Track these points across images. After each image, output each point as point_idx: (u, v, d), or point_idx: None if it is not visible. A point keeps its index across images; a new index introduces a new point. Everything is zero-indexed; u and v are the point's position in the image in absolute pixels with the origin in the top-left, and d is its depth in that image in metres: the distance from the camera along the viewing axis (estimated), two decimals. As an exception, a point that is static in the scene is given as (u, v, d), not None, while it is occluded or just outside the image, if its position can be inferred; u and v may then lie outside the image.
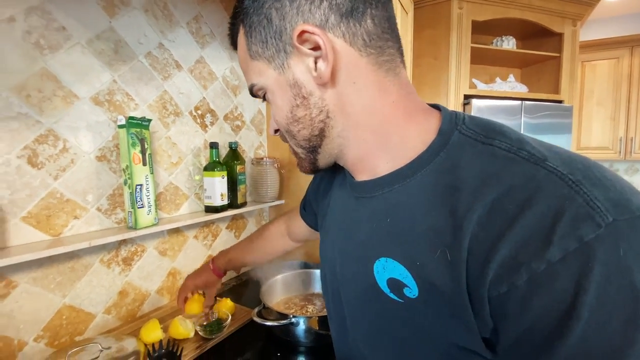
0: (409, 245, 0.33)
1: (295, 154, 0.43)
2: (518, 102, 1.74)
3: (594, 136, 2.46)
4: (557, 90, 1.90)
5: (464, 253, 0.28)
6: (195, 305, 0.86)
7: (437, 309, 0.30)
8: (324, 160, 0.41)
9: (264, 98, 0.40)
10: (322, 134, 0.38)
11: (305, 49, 0.34)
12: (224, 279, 1.24)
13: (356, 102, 0.36)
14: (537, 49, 1.90)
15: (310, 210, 0.68)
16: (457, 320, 0.29)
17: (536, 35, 1.97)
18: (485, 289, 0.27)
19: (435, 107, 0.39)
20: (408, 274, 0.32)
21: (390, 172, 0.37)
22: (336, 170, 0.49)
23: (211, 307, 0.88)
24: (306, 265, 1.12)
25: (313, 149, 0.40)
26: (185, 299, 0.86)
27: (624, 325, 0.23)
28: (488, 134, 0.32)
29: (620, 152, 2.40)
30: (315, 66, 0.34)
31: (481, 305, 0.27)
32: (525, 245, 0.25)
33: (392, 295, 0.35)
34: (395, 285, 0.34)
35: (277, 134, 0.44)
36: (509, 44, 1.87)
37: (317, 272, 1.06)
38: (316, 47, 0.34)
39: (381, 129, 0.36)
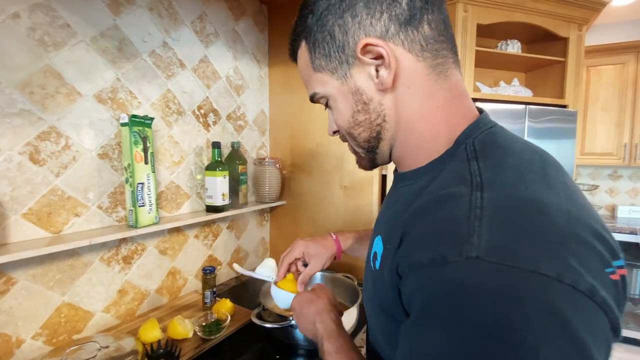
0: (389, 232, 0.39)
1: (356, 153, 0.47)
2: (522, 106, 1.73)
3: (598, 142, 2.44)
4: (561, 95, 1.88)
5: (398, 242, 0.34)
6: (290, 284, 0.71)
7: (382, 282, 0.37)
8: (381, 158, 0.46)
9: (326, 105, 0.45)
10: (378, 136, 0.42)
11: (367, 59, 0.37)
12: (224, 279, 1.24)
13: (408, 106, 0.39)
14: (542, 53, 1.89)
15: None
16: (391, 292, 0.35)
17: (541, 39, 1.95)
18: (396, 271, 0.33)
19: (481, 111, 0.41)
20: (382, 251, 0.40)
21: (411, 169, 0.41)
22: None
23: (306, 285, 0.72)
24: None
25: (372, 149, 0.44)
26: (287, 269, 0.73)
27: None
28: (479, 154, 0.33)
29: (624, 158, 2.38)
30: (377, 74, 0.38)
31: (400, 284, 0.33)
32: (415, 244, 0.31)
33: (371, 263, 0.43)
34: (374, 256, 0.43)
35: (335, 134, 0.48)
36: (513, 47, 1.85)
37: (318, 274, 1.05)
38: (378, 57, 0.37)
39: (422, 133, 0.39)
